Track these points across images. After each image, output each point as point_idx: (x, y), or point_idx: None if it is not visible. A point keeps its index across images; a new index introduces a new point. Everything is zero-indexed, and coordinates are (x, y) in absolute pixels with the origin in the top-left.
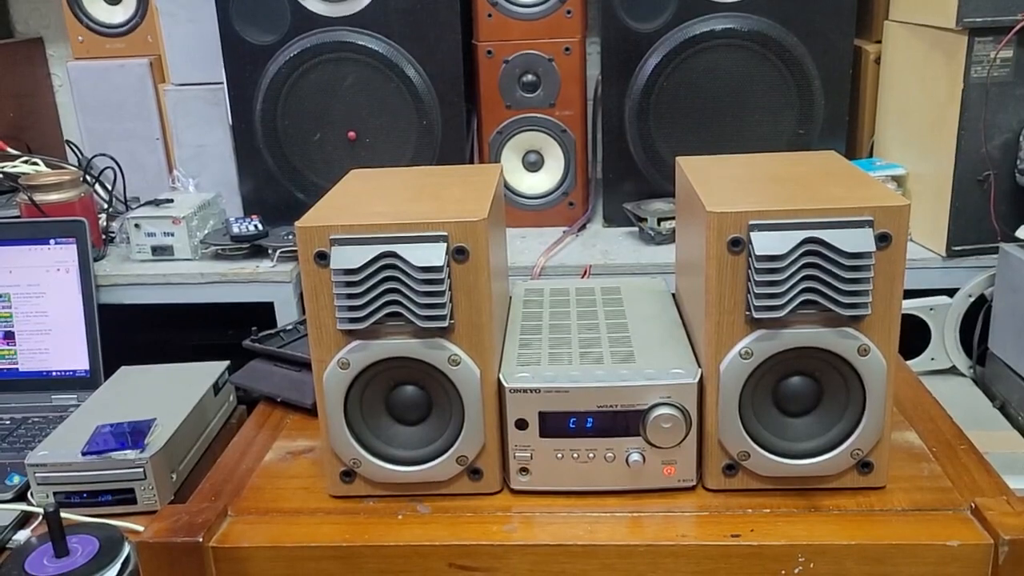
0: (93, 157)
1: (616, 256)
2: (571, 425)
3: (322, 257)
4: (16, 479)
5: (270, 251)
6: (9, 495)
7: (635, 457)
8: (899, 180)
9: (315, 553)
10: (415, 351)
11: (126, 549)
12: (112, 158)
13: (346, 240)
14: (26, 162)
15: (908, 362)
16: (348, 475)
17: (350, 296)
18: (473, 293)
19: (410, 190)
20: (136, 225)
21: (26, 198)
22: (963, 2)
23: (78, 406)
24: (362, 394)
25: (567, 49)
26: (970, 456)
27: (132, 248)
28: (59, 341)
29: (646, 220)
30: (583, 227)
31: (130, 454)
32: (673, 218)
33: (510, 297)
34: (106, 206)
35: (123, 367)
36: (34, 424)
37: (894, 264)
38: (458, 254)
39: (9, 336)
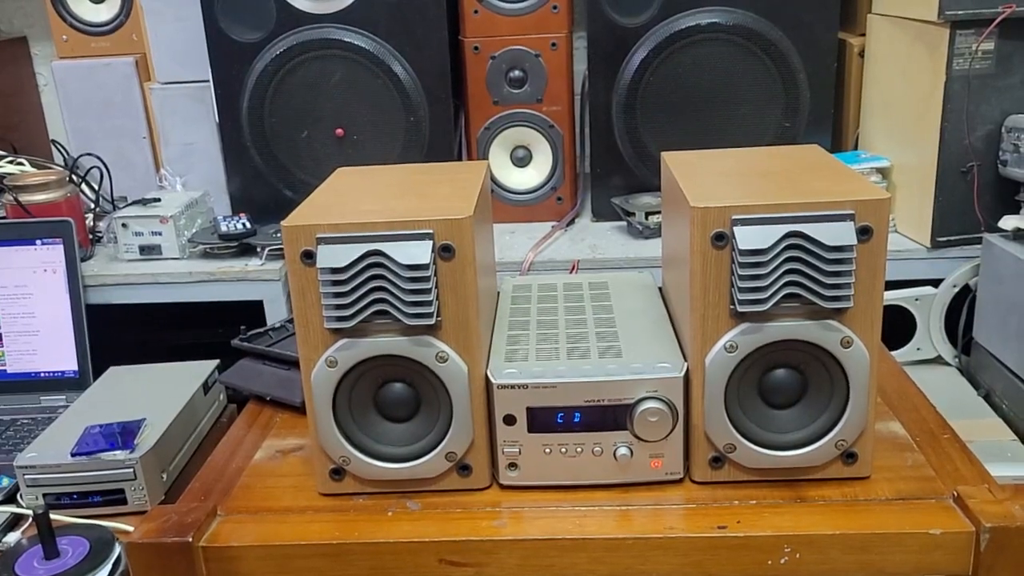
0: (79, 157)
1: (604, 250)
2: (559, 420)
3: (308, 256)
4: (5, 481)
5: (258, 249)
6: None
7: (623, 451)
8: (884, 172)
9: (305, 551)
10: (403, 349)
11: (117, 550)
12: (98, 157)
13: (332, 239)
14: (11, 162)
15: (894, 352)
16: (337, 473)
17: (337, 295)
18: (460, 290)
19: (396, 188)
20: (123, 224)
21: (12, 199)
22: None
23: (67, 407)
24: (350, 392)
25: (554, 44)
26: (953, 445)
27: (120, 248)
28: (47, 342)
29: (634, 214)
30: (571, 222)
31: (120, 454)
32: (660, 212)
33: (498, 293)
34: (93, 206)
35: (112, 367)
36: (23, 426)
37: (876, 256)
38: (444, 251)
39: None
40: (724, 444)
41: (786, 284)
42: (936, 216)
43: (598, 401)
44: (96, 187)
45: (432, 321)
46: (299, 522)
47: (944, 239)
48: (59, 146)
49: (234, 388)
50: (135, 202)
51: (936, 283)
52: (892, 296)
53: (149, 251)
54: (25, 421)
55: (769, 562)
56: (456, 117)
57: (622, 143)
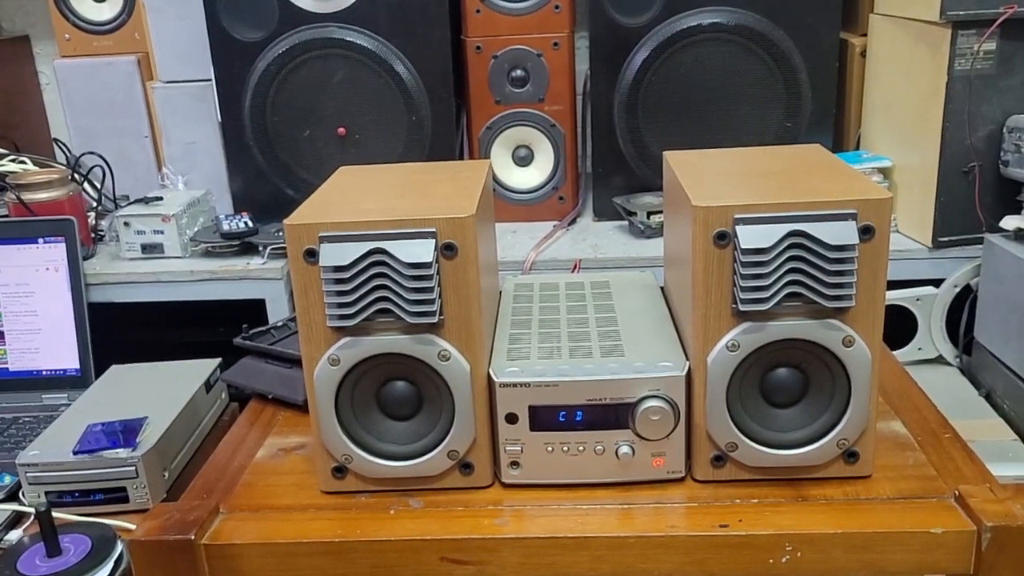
0: (81, 155)
1: (606, 250)
2: (561, 418)
3: (311, 255)
4: (7, 479)
5: (260, 248)
6: (0, 495)
7: (624, 449)
8: (885, 172)
9: (307, 549)
10: (405, 347)
11: (119, 548)
12: (101, 156)
13: (335, 237)
14: (14, 161)
15: (895, 352)
16: (340, 471)
17: (340, 293)
18: (462, 289)
19: (398, 187)
20: (125, 223)
21: (14, 197)
22: None
23: (69, 405)
24: (353, 390)
25: (555, 44)
26: (954, 444)
27: (122, 246)
28: (49, 340)
29: (636, 214)
30: (573, 221)
31: (122, 452)
32: (662, 212)
33: (500, 292)
34: (95, 204)
35: (114, 366)
36: (25, 424)
37: (877, 256)
38: (447, 250)
39: None
40: (726, 443)
41: (788, 283)
42: (937, 216)
43: (600, 400)
44: (98, 186)
45: (434, 320)
46: (301, 520)
47: (945, 239)
48: (61, 145)
49: (236, 386)
50: (137, 201)
51: (937, 283)
52: (893, 296)
53: (151, 250)
54: (27, 419)
55: (771, 561)
56: (458, 116)
57: (624, 143)
